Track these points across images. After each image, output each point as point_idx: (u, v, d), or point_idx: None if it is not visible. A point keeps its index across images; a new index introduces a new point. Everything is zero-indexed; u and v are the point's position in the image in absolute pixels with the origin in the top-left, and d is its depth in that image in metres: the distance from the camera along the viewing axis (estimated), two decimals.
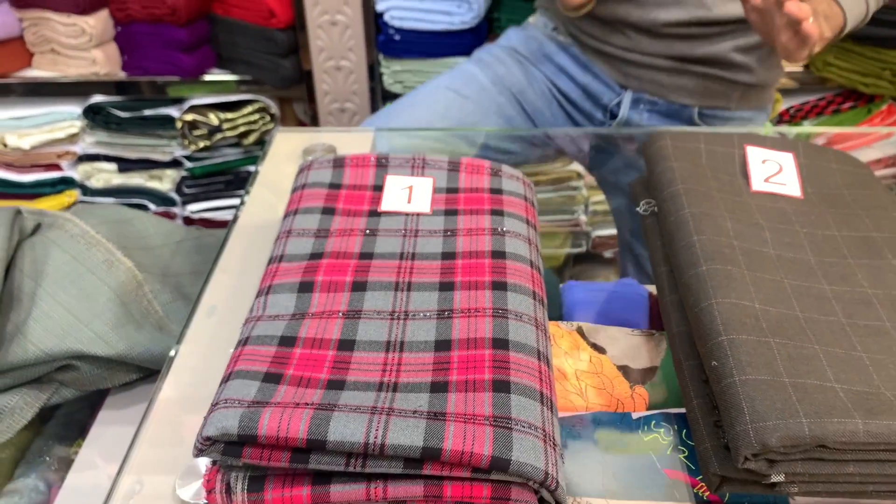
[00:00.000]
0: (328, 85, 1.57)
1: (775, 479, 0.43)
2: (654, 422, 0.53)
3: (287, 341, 0.48)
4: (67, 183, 1.81)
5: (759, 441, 0.42)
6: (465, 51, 1.47)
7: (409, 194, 0.63)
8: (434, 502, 0.41)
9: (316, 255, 0.56)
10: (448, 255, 0.56)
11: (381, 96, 1.58)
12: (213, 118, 1.65)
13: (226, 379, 0.45)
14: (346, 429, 0.40)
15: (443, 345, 0.49)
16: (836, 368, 0.46)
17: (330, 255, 0.56)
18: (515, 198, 0.63)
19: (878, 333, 0.49)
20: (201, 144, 1.67)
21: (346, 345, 0.49)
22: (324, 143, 0.82)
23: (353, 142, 0.86)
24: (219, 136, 1.67)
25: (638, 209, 0.67)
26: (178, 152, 1.72)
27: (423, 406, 0.43)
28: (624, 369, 0.58)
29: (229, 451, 0.41)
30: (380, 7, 1.47)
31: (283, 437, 0.40)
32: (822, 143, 1.06)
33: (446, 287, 0.53)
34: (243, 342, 0.49)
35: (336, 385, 0.45)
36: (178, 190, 1.75)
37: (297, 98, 1.70)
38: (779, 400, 0.43)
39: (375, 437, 0.40)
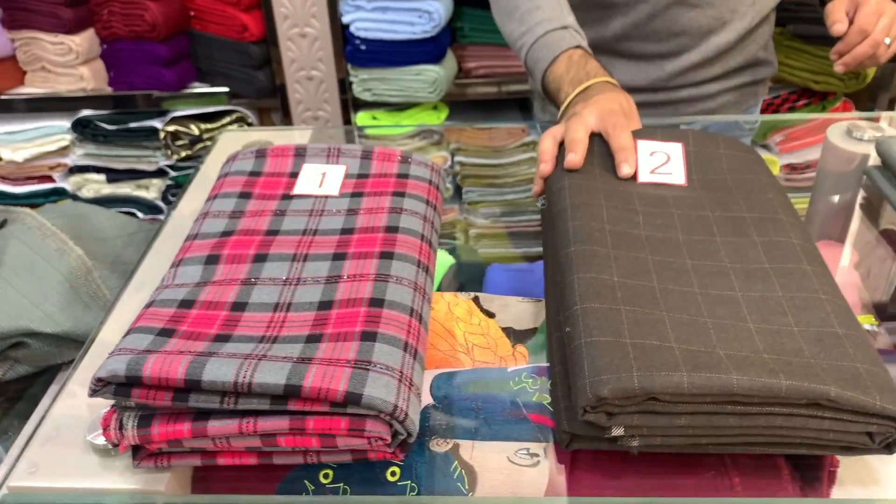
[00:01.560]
0: (301, 94, 1.65)
1: (616, 432, 0.47)
2: (524, 373, 0.58)
3: (186, 304, 0.55)
4: (60, 194, 1.89)
5: (593, 393, 0.45)
6: (430, 59, 1.55)
7: (321, 179, 0.69)
8: (298, 434, 0.47)
9: (227, 233, 0.63)
10: (346, 231, 0.63)
11: (351, 104, 1.65)
12: (194, 129, 1.73)
13: (126, 334, 0.51)
14: (219, 371, 0.46)
15: (325, 305, 0.55)
16: (678, 331, 0.49)
17: (239, 232, 0.62)
18: (420, 182, 0.69)
19: (728, 301, 0.53)
20: (183, 154, 1.75)
21: (239, 306, 0.55)
22: (263, 140, 0.88)
23: (292, 138, 0.93)
24: (200, 145, 1.75)
25: (538, 204, 0.72)
26: (163, 162, 1.80)
27: (295, 353, 0.49)
28: (508, 331, 0.64)
29: (119, 391, 0.47)
30: (346, 19, 1.55)
31: (164, 378, 0.46)
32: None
33: (339, 257, 0.59)
34: (148, 305, 0.55)
35: (222, 338, 0.51)
36: (164, 198, 1.83)
37: (274, 108, 1.78)
38: (616, 358, 0.47)
39: (244, 378, 0.46)
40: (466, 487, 0.50)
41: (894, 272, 0.75)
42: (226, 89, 1.72)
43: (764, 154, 1.77)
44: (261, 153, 0.72)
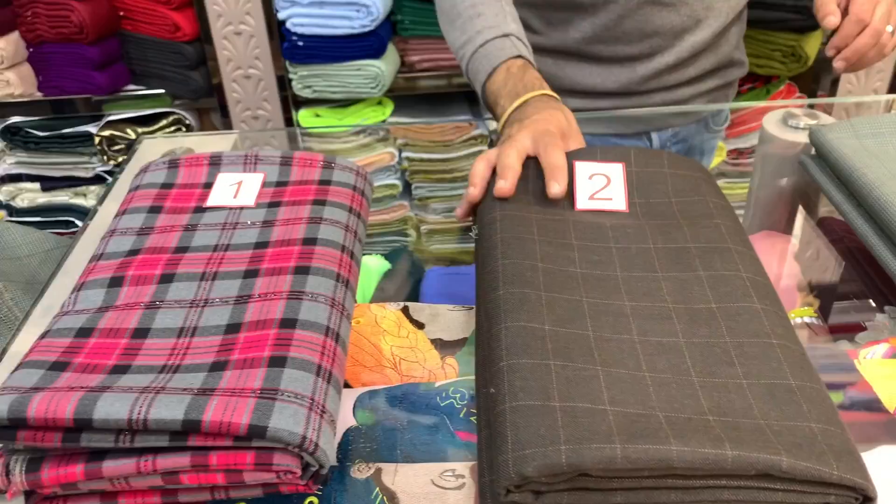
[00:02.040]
0: (239, 94, 1.60)
1: None
2: (452, 388, 0.56)
3: (84, 332, 0.51)
4: None
5: (516, 472, 0.40)
6: (370, 53, 1.51)
7: (236, 190, 0.66)
8: (202, 470, 0.44)
9: (133, 252, 0.59)
10: (260, 245, 0.59)
11: (292, 102, 1.61)
12: (131, 133, 1.67)
13: (14, 370, 0.48)
14: (112, 408, 0.43)
15: (233, 328, 0.51)
16: (613, 390, 0.44)
17: (146, 250, 0.59)
18: (343, 188, 0.66)
19: (670, 350, 0.48)
20: (120, 159, 1.69)
21: (141, 333, 0.51)
22: (183, 147, 0.84)
23: (216, 144, 0.89)
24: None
25: (471, 234, 0.68)
26: (100, 168, 1.74)
27: (197, 384, 0.46)
28: (437, 342, 0.61)
29: (4, 434, 0.44)
30: (281, 15, 1.50)
31: (50, 419, 0.43)
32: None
33: (251, 274, 0.56)
34: (42, 336, 0.51)
35: (120, 370, 0.48)
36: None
37: (213, 109, 1.72)
38: (543, 426, 0.41)
39: (139, 414, 0.42)
40: None
41: (832, 262, 0.74)
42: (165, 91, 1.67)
43: None
44: (173, 163, 0.68)
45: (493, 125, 1.80)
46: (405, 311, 0.64)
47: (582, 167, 0.65)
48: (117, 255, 0.59)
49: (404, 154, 1.72)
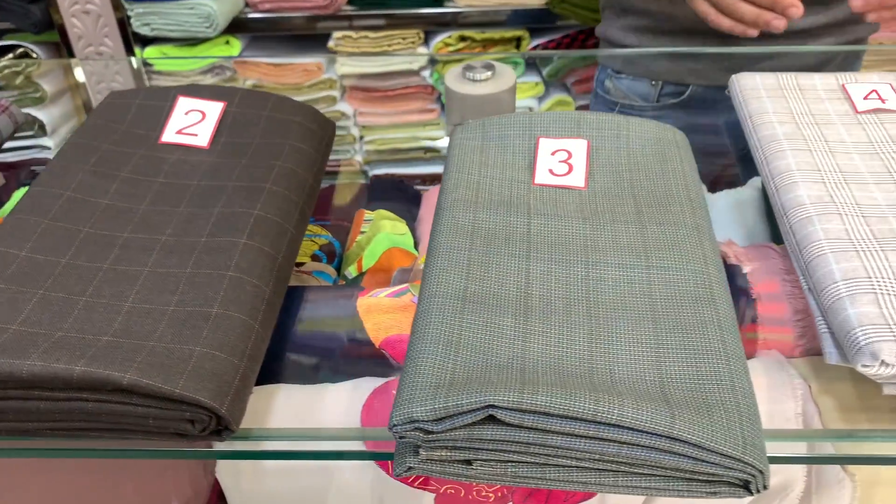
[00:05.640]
0: (79, 29, 1.60)
1: None
2: None
3: None
4: None
5: None
6: None
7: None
8: None
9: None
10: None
11: (133, 39, 1.61)
12: None
13: None
14: None
15: None
16: (36, 311, 0.47)
17: None
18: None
19: (126, 279, 0.50)
20: None
21: None
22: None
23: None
24: None
25: None
26: None
27: None
28: None
29: None
30: None
31: None
32: None
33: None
34: None
35: None
36: None
37: (56, 43, 1.72)
38: None
39: None
40: None
41: None
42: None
43: (562, 95, 1.79)
44: None
45: (342, 69, 1.81)
46: None
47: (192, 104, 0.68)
48: None
49: None
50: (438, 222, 0.56)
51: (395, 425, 0.41)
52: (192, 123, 0.65)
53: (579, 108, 1.75)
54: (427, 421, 0.41)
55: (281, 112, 0.67)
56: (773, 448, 0.50)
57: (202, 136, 0.65)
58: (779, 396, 0.52)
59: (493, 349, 0.45)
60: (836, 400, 0.52)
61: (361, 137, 1.83)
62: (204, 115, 0.66)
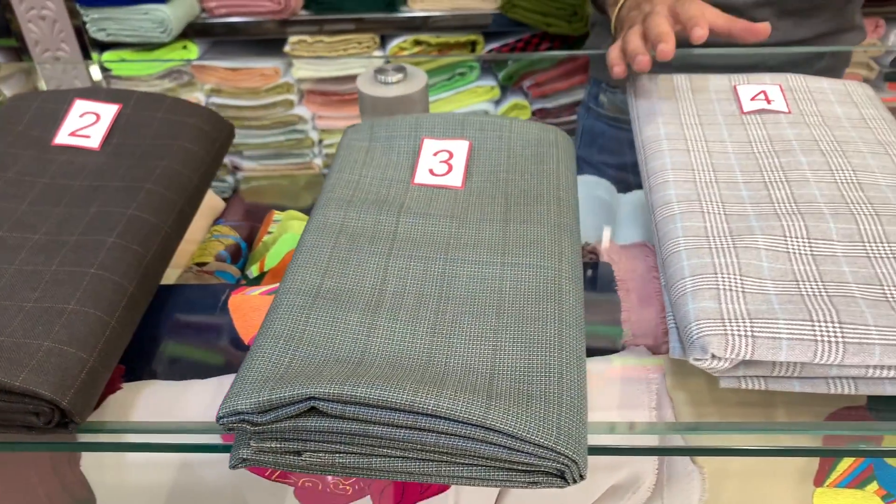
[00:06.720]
0: (36, 34, 1.61)
1: None
2: None
3: None
4: None
5: None
6: None
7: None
8: None
9: None
10: None
11: (90, 44, 1.62)
12: None
13: None
14: None
15: None
16: None
17: None
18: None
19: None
20: None
21: None
22: None
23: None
24: None
25: None
26: None
27: None
28: None
29: None
30: None
31: None
32: None
33: None
34: None
35: None
36: None
37: (13, 48, 1.73)
38: None
39: None
40: None
41: None
42: None
43: (518, 99, 1.80)
44: None
45: (299, 73, 1.82)
46: None
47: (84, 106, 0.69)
48: None
49: (211, 100, 1.74)
50: (310, 221, 0.57)
51: (220, 417, 0.42)
52: (86, 126, 0.67)
53: (535, 111, 1.77)
54: (251, 413, 0.42)
55: (175, 114, 0.69)
56: (623, 441, 0.52)
57: (94, 138, 0.66)
58: (633, 391, 0.53)
59: (336, 344, 0.46)
60: (688, 393, 0.53)
61: (320, 141, 1.84)
62: (98, 117, 0.67)
